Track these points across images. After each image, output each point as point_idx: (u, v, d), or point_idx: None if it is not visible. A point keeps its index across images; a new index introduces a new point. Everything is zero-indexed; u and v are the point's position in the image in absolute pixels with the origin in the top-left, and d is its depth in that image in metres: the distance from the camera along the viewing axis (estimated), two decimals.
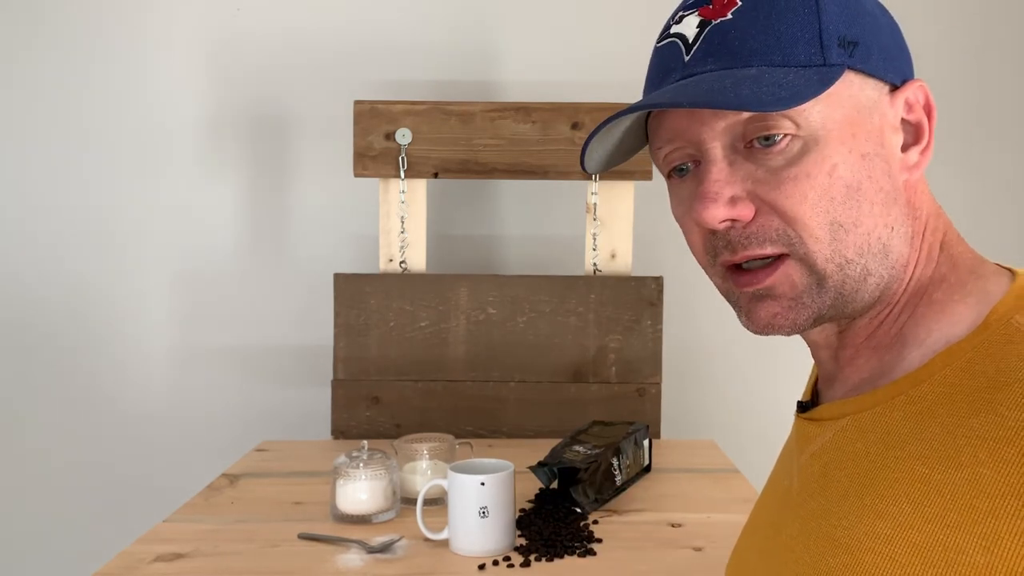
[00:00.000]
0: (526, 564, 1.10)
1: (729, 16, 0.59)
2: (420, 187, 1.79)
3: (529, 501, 1.33)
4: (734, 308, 0.64)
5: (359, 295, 1.75)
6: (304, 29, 1.95)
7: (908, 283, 0.62)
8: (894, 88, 0.61)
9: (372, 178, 1.81)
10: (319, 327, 1.93)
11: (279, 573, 1.09)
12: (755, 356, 1.99)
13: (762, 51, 0.58)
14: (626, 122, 0.64)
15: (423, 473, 1.34)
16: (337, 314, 1.76)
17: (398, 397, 1.75)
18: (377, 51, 1.96)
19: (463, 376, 1.75)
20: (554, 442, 1.54)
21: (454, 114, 1.77)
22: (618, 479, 1.37)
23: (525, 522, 1.23)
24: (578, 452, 1.36)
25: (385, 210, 1.79)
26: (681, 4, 0.63)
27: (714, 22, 0.59)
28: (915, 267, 0.62)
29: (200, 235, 1.98)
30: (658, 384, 1.75)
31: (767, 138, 0.58)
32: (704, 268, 0.65)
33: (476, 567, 1.10)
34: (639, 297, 1.75)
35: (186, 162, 1.97)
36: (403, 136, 1.76)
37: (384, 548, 1.15)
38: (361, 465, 1.26)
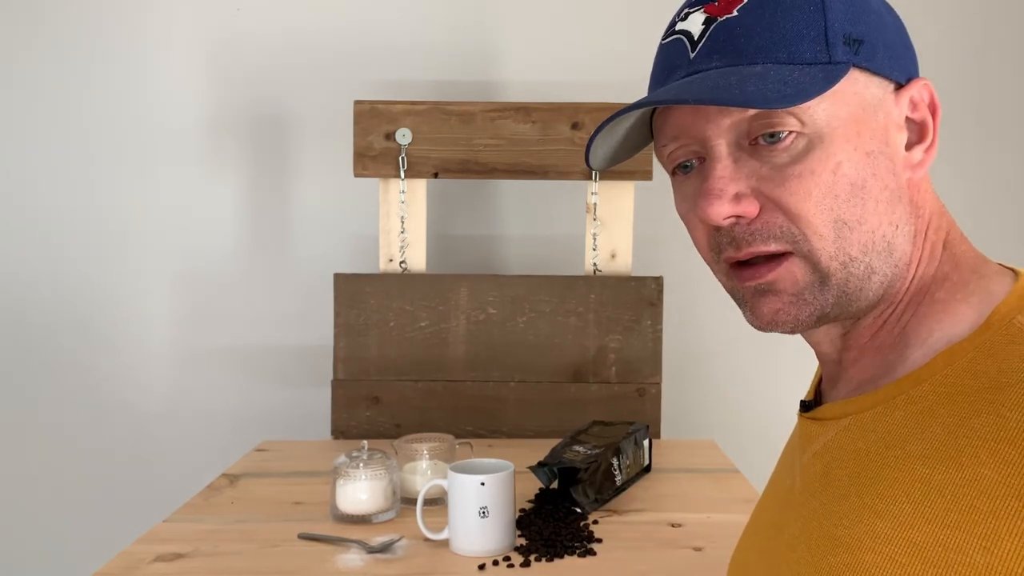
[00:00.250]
0: (526, 564, 1.10)
1: (735, 13, 0.59)
2: (420, 187, 1.79)
3: (529, 501, 1.33)
4: (738, 304, 0.64)
5: (359, 295, 1.75)
6: (304, 29, 1.95)
7: (911, 282, 0.62)
8: (899, 86, 0.61)
9: (372, 178, 1.81)
10: (319, 327, 1.93)
11: (279, 573, 1.09)
12: (755, 356, 1.99)
13: (768, 48, 0.58)
14: (631, 119, 0.64)
15: (423, 473, 1.34)
16: (337, 314, 1.76)
17: (398, 397, 1.75)
18: (377, 51, 1.96)
19: (463, 376, 1.75)
20: (554, 442, 1.54)
21: (454, 114, 1.77)
22: (618, 479, 1.36)
23: (525, 522, 1.23)
24: (578, 452, 1.36)
25: (385, 210, 1.79)
26: (687, 1, 0.63)
27: (720, 19, 0.60)
28: (918, 266, 0.62)
29: (200, 235, 1.98)
30: (658, 384, 1.75)
31: (772, 135, 0.58)
32: (709, 265, 0.65)
33: (476, 567, 1.10)
34: (639, 297, 1.75)
35: (186, 162, 1.97)
36: (403, 136, 1.76)
37: (384, 548, 1.15)
38: (361, 465, 1.26)
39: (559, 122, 1.77)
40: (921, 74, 0.64)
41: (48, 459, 1.98)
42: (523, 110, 1.77)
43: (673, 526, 1.24)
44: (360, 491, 1.25)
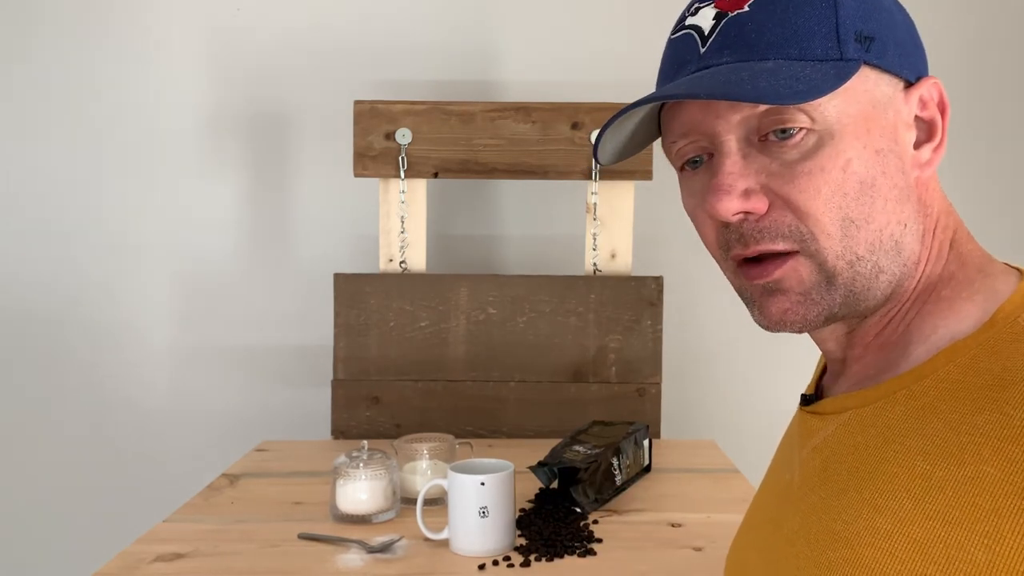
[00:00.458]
0: (526, 564, 1.10)
1: (746, 8, 0.59)
2: (420, 187, 1.79)
3: (529, 501, 1.33)
4: (746, 303, 0.64)
5: (359, 295, 1.75)
6: (304, 29, 1.95)
7: (919, 281, 0.62)
8: (909, 84, 0.61)
9: (372, 178, 1.81)
10: (319, 327, 1.93)
11: (279, 573, 1.09)
12: (755, 356, 1.99)
13: (779, 44, 0.58)
14: (640, 113, 0.64)
15: (423, 473, 1.34)
16: (337, 314, 1.76)
17: (398, 397, 1.75)
18: (377, 51, 1.96)
19: (463, 376, 1.75)
20: (554, 442, 1.54)
21: (454, 114, 1.77)
22: (618, 479, 1.36)
23: (525, 522, 1.23)
24: (578, 452, 1.36)
25: (385, 210, 1.79)
26: None
27: (731, 14, 0.59)
28: (926, 265, 0.62)
29: (200, 235, 1.98)
30: (658, 384, 1.75)
31: (782, 131, 0.58)
32: (717, 262, 0.65)
33: (476, 567, 1.10)
34: (639, 297, 1.75)
35: (186, 162, 1.97)
36: (403, 136, 1.76)
37: (384, 548, 1.15)
38: (361, 465, 1.26)
39: (559, 122, 1.77)
40: (929, 72, 0.63)
41: (48, 458, 1.98)
42: (523, 110, 1.77)
43: (673, 526, 1.24)
44: (360, 491, 1.25)
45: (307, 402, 1.98)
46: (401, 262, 1.78)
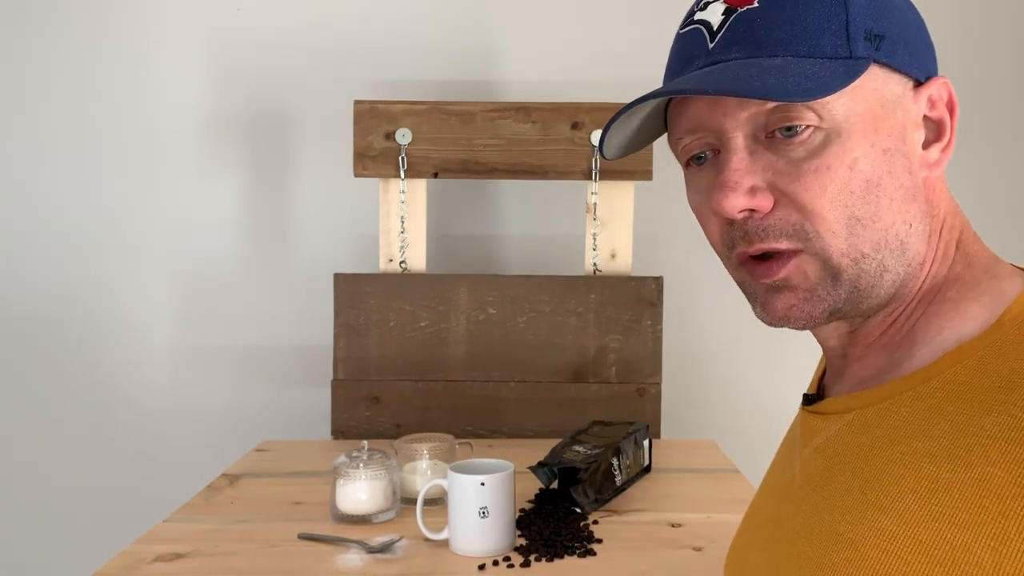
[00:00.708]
0: (526, 564, 1.10)
1: (756, 4, 0.59)
2: (420, 187, 1.79)
3: (529, 501, 1.33)
4: (749, 299, 0.64)
5: (359, 295, 1.75)
6: (304, 29, 1.95)
7: (924, 281, 0.61)
8: (918, 84, 0.61)
9: (372, 178, 1.81)
10: (319, 327, 1.93)
11: (279, 573, 1.09)
12: (755, 356, 1.99)
13: (788, 41, 0.57)
14: (646, 108, 0.63)
15: (423, 473, 1.34)
16: (337, 314, 1.76)
17: (398, 397, 1.75)
18: (377, 51, 1.96)
19: (463, 376, 1.75)
20: (554, 442, 1.54)
21: (454, 114, 1.77)
22: (618, 479, 1.36)
23: (525, 522, 1.23)
24: (578, 452, 1.36)
25: (385, 210, 1.79)
26: None
27: (740, 10, 0.59)
28: (931, 265, 0.61)
29: (200, 235, 1.98)
30: (658, 384, 1.75)
31: (789, 129, 0.58)
32: (721, 258, 0.65)
33: (476, 567, 1.10)
34: (639, 297, 1.75)
35: (186, 162, 1.97)
36: (403, 136, 1.76)
37: (384, 548, 1.15)
38: (361, 465, 1.26)
39: (559, 122, 1.77)
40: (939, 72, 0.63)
41: (48, 459, 1.98)
42: (523, 110, 1.77)
43: (673, 526, 1.24)
44: (360, 491, 1.25)
45: (307, 402, 1.98)
46: (401, 262, 1.78)
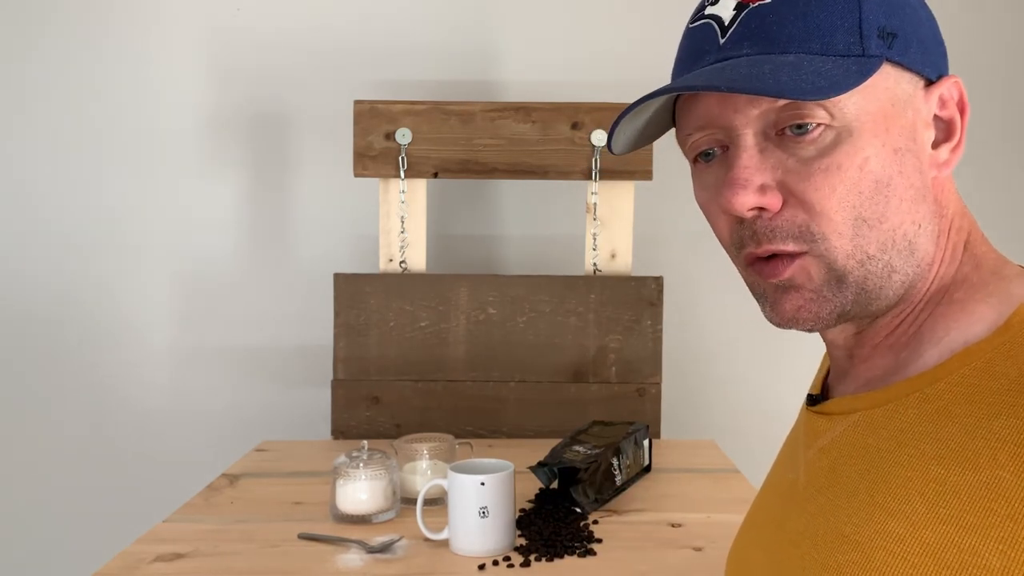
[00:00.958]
0: (526, 564, 1.10)
1: (767, 0, 0.58)
2: (420, 187, 1.79)
3: (529, 501, 1.33)
4: (758, 299, 0.63)
5: (359, 295, 1.75)
6: (304, 29, 1.95)
7: (931, 282, 0.61)
8: (929, 83, 0.60)
9: (372, 178, 1.81)
10: (319, 327, 1.93)
11: (279, 573, 1.09)
12: (756, 356, 1.99)
13: (800, 38, 0.57)
14: (655, 104, 0.63)
15: (423, 473, 1.34)
16: (337, 314, 1.76)
17: (398, 397, 1.75)
18: (377, 51, 1.96)
19: (463, 376, 1.75)
20: (554, 442, 1.54)
21: (454, 114, 1.77)
22: (618, 479, 1.36)
23: (525, 522, 1.22)
24: (578, 452, 1.36)
25: (385, 210, 1.79)
26: None
27: (752, 5, 0.58)
28: (939, 266, 0.61)
29: (200, 235, 1.98)
30: (658, 384, 1.75)
31: (800, 127, 0.57)
32: (730, 256, 0.64)
33: (476, 567, 1.10)
34: (639, 297, 1.75)
35: (186, 162, 1.97)
36: (403, 136, 1.76)
37: (384, 548, 1.15)
38: (361, 465, 1.26)
39: (559, 122, 1.77)
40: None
41: (48, 459, 1.98)
42: (523, 110, 1.77)
43: (673, 526, 1.24)
44: (360, 491, 1.25)
45: (307, 402, 1.98)
46: (401, 262, 1.78)
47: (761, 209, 0.59)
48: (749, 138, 0.58)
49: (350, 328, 1.75)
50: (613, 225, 1.78)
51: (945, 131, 0.61)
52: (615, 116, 1.77)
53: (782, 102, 0.57)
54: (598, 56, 1.95)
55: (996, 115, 1.97)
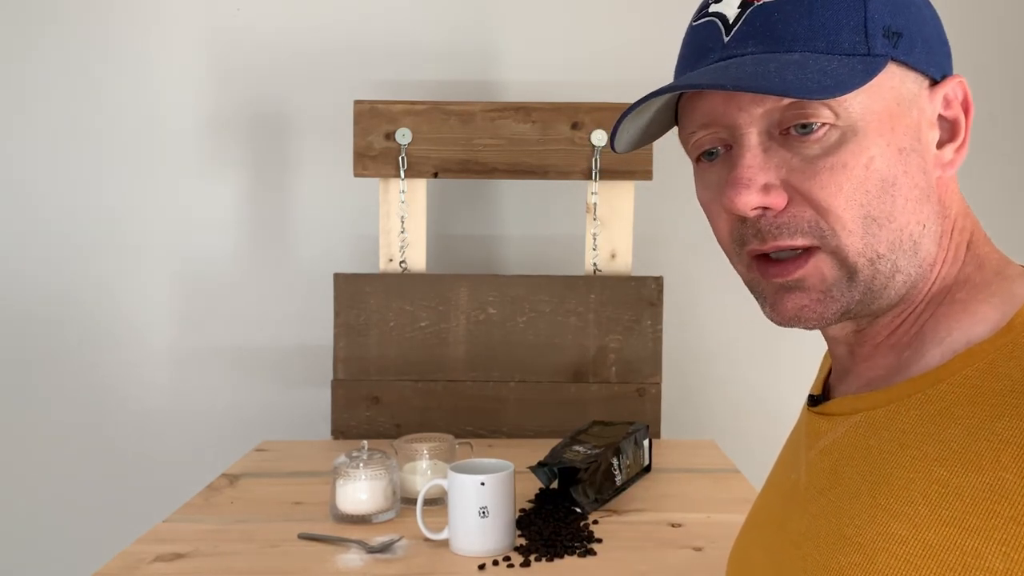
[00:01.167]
0: (526, 564, 1.10)
1: None
2: (420, 187, 1.79)
3: (529, 501, 1.33)
4: (757, 299, 0.63)
5: (359, 295, 1.75)
6: (304, 29, 1.95)
7: (933, 282, 0.61)
8: (933, 83, 0.60)
9: (372, 178, 1.81)
10: (319, 327, 1.93)
11: (279, 573, 1.09)
12: (756, 356, 1.99)
13: (806, 36, 0.56)
14: (658, 102, 0.62)
15: (423, 473, 1.34)
16: (337, 314, 1.76)
17: (398, 397, 1.75)
18: (377, 51, 1.96)
19: (463, 376, 1.75)
20: (554, 442, 1.54)
21: (454, 114, 1.77)
22: (618, 479, 1.36)
23: (525, 522, 1.22)
24: (578, 452, 1.36)
25: (385, 210, 1.79)
26: None
27: (757, 3, 0.58)
28: (942, 266, 0.61)
29: (200, 235, 1.98)
30: (658, 384, 1.75)
31: (805, 126, 0.57)
32: (728, 256, 0.64)
33: (476, 567, 1.10)
34: (639, 297, 1.75)
35: (186, 162, 1.97)
36: (403, 136, 1.76)
37: (384, 548, 1.15)
38: (361, 465, 1.26)
39: (559, 122, 1.77)
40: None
41: (48, 459, 1.98)
42: (523, 110, 1.77)
43: (673, 526, 1.24)
44: (360, 491, 1.25)
45: (307, 402, 1.98)
46: (401, 262, 1.78)
47: (764, 208, 0.58)
48: (753, 137, 0.58)
49: (350, 328, 1.75)
50: (613, 225, 1.78)
51: (949, 131, 0.61)
52: (615, 116, 1.77)
53: (787, 101, 0.56)
54: (598, 56, 1.95)
55: (996, 115, 1.97)
